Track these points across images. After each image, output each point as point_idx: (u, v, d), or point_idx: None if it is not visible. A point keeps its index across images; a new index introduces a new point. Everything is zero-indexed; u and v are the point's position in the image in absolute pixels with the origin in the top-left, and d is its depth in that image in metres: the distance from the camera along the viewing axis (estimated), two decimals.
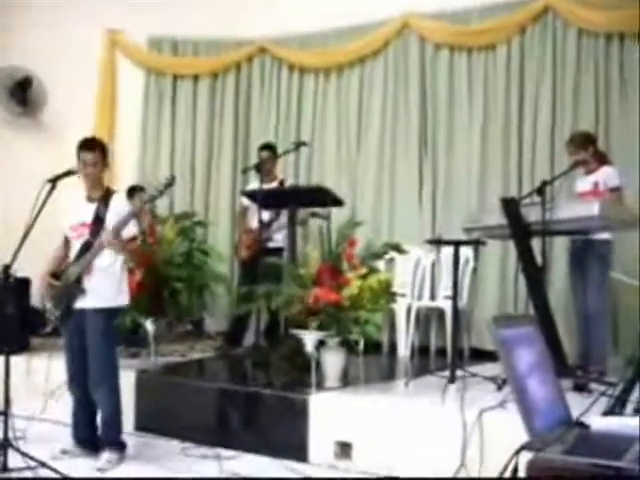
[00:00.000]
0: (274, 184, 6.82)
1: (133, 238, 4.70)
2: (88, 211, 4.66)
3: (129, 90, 8.47)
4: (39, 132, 8.35)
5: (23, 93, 8.11)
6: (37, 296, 6.97)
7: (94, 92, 8.38)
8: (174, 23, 8.10)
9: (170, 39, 8.42)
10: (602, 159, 5.71)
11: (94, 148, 4.67)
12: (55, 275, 4.70)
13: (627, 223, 5.29)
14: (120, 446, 4.73)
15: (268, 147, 7.05)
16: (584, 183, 5.68)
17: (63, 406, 5.07)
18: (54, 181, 4.52)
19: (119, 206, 4.65)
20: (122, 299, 4.74)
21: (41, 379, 5.83)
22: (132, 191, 7.21)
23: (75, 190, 4.77)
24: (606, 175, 5.55)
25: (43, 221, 4.41)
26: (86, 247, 4.60)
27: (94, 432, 4.77)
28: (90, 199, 4.70)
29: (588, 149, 5.61)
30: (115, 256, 4.64)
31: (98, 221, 4.60)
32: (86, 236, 4.62)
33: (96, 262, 4.59)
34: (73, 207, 4.75)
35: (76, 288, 4.58)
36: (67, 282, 4.61)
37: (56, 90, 8.17)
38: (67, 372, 4.77)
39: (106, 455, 4.64)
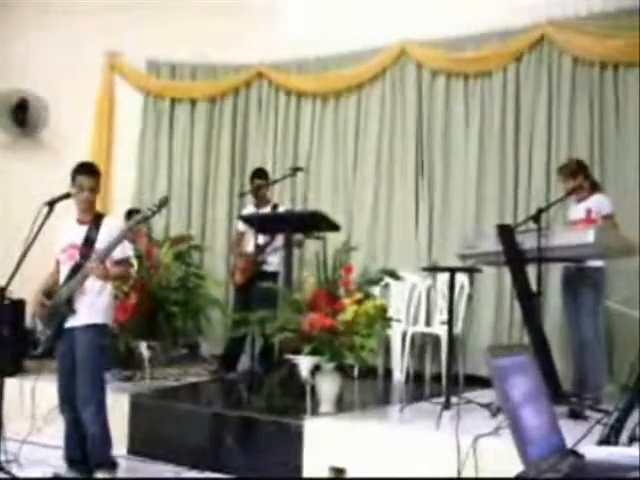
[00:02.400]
0: (267, 209, 6.85)
1: (125, 260, 4.70)
2: (79, 233, 4.67)
3: (127, 113, 8.51)
4: (37, 154, 8.37)
5: (21, 115, 8.15)
6: (32, 318, 6.99)
7: (93, 114, 8.42)
8: (173, 47, 8.15)
9: (169, 63, 8.48)
10: (593, 187, 5.74)
11: (93, 173, 4.70)
12: (48, 295, 4.71)
13: (621, 251, 5.31)
14: (111, 465, 4.69)
15: (260, 173, 7.07)
16: (577, 210, 5.70)
17: (55, 429, 5.04)
18: (52, 204, 4.53)
19: (111, 229, 4.66)
20: (109, 318, 4.76)
21: (34, 401, 5.80)
22: (129, 214, 7.23)
23: (67, 213, 4.77)
24: (598, 203, 5.59)
25: (40, 244, 4.41)
26: (76, 268, 4.60)
27: (86, 453, 4.72)
28: (81, 222, 4.72)
29: (577, 177, 5.64)
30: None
31: (89, 243, 4.62)
32: (76, 258, 4.63)
33: (89, 284, 4.59)
34: (65, 230, 4.77)
35: (67, 308, 4.58)
36: (58, 302, 4.61)
37: (55, 112, 8.21)
38: (58, 392, 4.74)
39: (98, 476, 4.61)
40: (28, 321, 6.78)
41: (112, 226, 4.71)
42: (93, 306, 4.62)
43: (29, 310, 6.57)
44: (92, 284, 4.60)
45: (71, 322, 4.60)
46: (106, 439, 4.68)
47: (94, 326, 4.61)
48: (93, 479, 4.60)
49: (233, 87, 8.41)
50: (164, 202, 4.66)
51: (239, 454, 4.99)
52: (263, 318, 5.22)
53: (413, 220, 7.30)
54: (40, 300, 4.70)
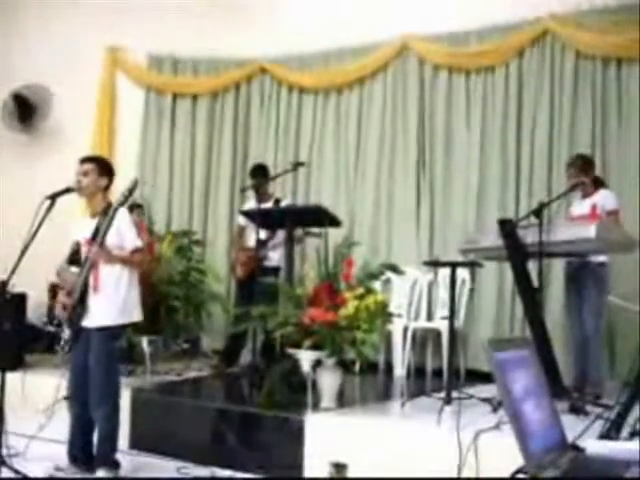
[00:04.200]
0: (269, 203, 6.84)
1: (138, 250, 4.64)
2: (89, 227, 4.63)
3: (129, 108, 8.50)
4: (39, 149, 8.38)
5: (24, 110, 8.17)
6: (33, 312, 7.01)
7: (94, 110, 8.41)
8: (175, 42, 8.14)
9: (170, 58, 8.46)
10: (598, 182, 5.74)
11: (87, 160, 4.71)
12: (68, 293, 4.63)
13: (624, 246, 5.31)
14: (114, 465, 4.69)
15: (259, 170, 7.04)
16: (581, 206, 5.69)
17: (57, 424, 5.05)
18: (53, 198, 4.51)
19: (119, 221, 4.61)
20: (126, 317, 4.66)
21: (36, 396, 5.81)
22: (131, 209, 7.24)
23: (73, 210, 4.78)
24: (604, 198, 5.58)
25: (42, 238, 4.40)
26: (84, 263, 4.58)
27: (89, 450, 4.72)
28: (92, 215, 4.68)
29: (589, 173, 5.64)
30: (120, 273, 4.59)
31: (97, 236, 4.57)
32: (86, 253, 4.60)
33: (104, 281, 4.54)
34: (78, 226, 4.75)
35: (79, 306, 4.54)
36: (73, 301, 4.57)
37: (56, 107, 8.21)
38: (68, 390, 4.75)
39: (100, 473, 4.61)
40: (30, 315, 6.81)
41: (120, 217, 4.65)
42: (107, 306, 4.55)
43: (31, 305, 6.63)
44: (105, 281, 4.55)
45: (86, 321, 4.56)
46: (113, 440, 4.67)
47: (107, 329, 4.55)
48: (93, 479, 4.60)
49: (235, 82, 8.39)
50: (134, 185, 4.53)
51: (240, 448, 4.99)
52: (264, 313, 5.22)
53: (415, 215, 7.30)
54: (62, 300, 4.66)
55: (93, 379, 4.56)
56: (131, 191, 4.52)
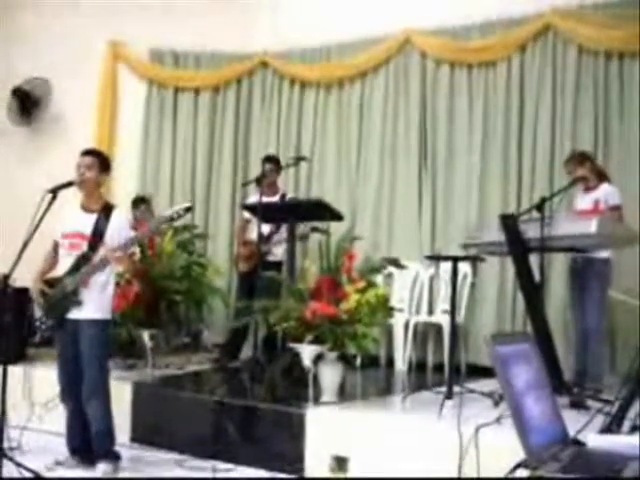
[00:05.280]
0: (276, 197, 6.82)
1: (131, 254, 4.74)
2: (86, 222, 4.65)
3: (131, 102, 8.49)
4: (41, 143, 8.37)
5: (23, 105, 8.17)
6: (34, 306, 7.00)
7: (96, 103, 8.40)
8: (176, 36, 8.12)
9: (172, 52, 8.44)
10: (601, 176, 5.73)
11: (90, 153, 4.75)
12: (48, 282, 4.69)
13: (625, 241, 5.30)
14: (115, 457, 4.71)
15: (272, 159, 7.04)
16: (584, 201, 5.69)
17: (59, 416, 5.06)
18: (54, 191, 4.51)
19: (121, 222, 4.69)
20: (112, 312, 4.78)
21: (37, 389, 5.82)
22: (136, 202, 7.29)
23: (72, 199, 4.79)
24: (606, 193, 5.57)
25: (44, 231, 4.40)
26: (83, 259, 4.59)
27: (88, 442, 4.74)
28: (88, 210, 4.70)
29: (585, 165, 5.64)
30: (111, 272, 4.68)
31: (98, 234, 4.60)
32: (83, 248, 4.61)
33: (94, 278, 4.59)
34: (68, 215, 4.75)
35: (72, 299, 4.57)
36: (63, 292, 4.59)
37: (58, 101, 8.20)
38: (60, 382, 4.75)
39: (102, 466, 4.63)
40: (31, 309, 6.80)
41: (122, 219, 4.73)
42: (98, 300, 4.62)
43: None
44: (97, 278, 4.60)
45: (75, 314, 4.59)
46: (109, 432, 4.70)
47: (99, 322, 4.61)
48: (95, 479, 4.61)
49: (236, 76, 8.38)
50: (189, 210, 4.66)
51: (241, 442, 5.00)
52: (266, 307, 5.22)
53: (416, 209, 7.29)
54: (41, 288, 4.69)
55: (86, 371, 4.59)
56: (186, 212, 4.60)
